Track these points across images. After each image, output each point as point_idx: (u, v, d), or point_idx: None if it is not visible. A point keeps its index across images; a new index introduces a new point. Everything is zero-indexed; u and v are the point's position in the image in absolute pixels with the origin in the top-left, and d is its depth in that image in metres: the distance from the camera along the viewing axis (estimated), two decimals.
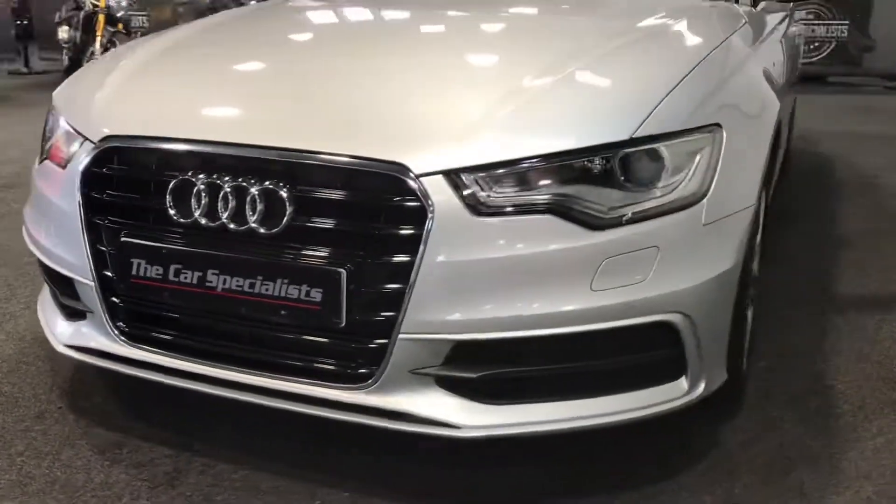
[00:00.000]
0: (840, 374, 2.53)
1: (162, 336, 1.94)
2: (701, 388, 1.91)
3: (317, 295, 1.73)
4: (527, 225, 1.70)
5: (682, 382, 1.88)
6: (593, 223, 1.71)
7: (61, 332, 2.13)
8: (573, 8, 2.82)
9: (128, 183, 1.92)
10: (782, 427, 2.24)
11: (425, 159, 1.70)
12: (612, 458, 2.08)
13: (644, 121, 1.78)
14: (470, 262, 1.68)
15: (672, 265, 1.77)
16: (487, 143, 1.73)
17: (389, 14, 2.77)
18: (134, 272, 1.88)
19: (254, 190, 1.76)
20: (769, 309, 2.97)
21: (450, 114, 1.82)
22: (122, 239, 1.90)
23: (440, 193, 1.68)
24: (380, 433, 1.80)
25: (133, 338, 1.98)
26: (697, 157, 1.84)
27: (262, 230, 1.76)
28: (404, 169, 1.68)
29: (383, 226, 1.70)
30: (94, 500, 1.90)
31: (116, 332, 1.99)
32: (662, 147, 1.79)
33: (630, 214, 1.74)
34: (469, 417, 1.76)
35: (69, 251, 2.00)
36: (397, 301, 1.70)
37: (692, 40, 2.28)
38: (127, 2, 8.27)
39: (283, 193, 1.75)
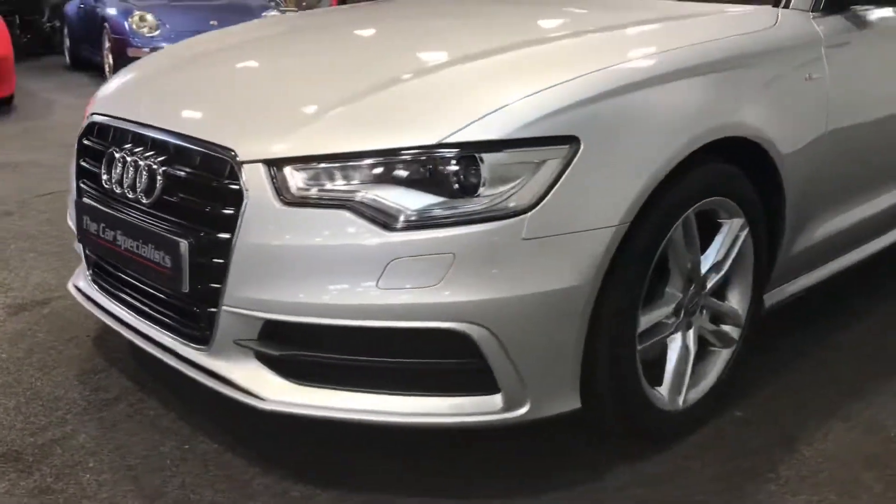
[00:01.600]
0: (822, 441, 2.19)
1: (102, 283, 2.31)
2: (524, 409, 1.83)
3: (168, 261, 1.96)
4: (325, 218, 1.77)
5: (497, 399, 1.82)
6: (386, 223, 1.74)
7: (74, 276, 2.59)
8: (509, 9, 2.74)
9: (92, 152, 2.31)
10: (683, 479, 2.03)
11: (251, 148, 1.85)
12: (498, 466, 2.08)
13: (463, 128, 1.76)
14: (275, 246, 1.81)
15: (471, 275, 1.73)
16: (306, 138, 1.83)
17: (310, 23, 3.02)
18: (84, 226, 2.27)
19: (142, 164, 2.05)
20: (819, 362, 2.60)
21: (288, 110, 1.96)
22: (82, 198, 2.29)
23: (257, 180, 1.82)
24: None
25: (95, 282, 2.37)
26: (533, 169, 1.77)
27: (144, 200, 2.04)
28: (233, 154, 1.86)
29: (214, 205, 1.89)
30: (38, 406, 2.33)
31: (89, 275, 2.40)
32: (480, 155, 1.75)
33: (423, 219, 1.73)
34: (275, 392, 1.88)
35: (71, 207, 2.45)
36: (221, 275, 1.87)
37: (601, 49, 2.11)
38: None
39: (158, 169, 2.01)
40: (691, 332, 2.17)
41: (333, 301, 1.77)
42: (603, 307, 1.87)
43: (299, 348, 1.86)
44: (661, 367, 2.13)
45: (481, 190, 1.75)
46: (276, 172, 1.81)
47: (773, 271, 2.42)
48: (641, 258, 1.92)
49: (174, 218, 1.97)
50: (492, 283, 1.75)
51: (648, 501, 1.95)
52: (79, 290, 2.48)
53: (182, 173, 1.97)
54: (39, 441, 2.17)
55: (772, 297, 2.48)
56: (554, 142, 1.79)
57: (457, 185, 1.76)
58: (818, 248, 2.53)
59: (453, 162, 1.75)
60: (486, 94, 1.85)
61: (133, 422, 2.26)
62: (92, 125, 2.35)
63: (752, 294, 2.32)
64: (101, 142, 2.28)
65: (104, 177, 2.19)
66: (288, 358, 1.86)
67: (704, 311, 2.21)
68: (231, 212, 1.84)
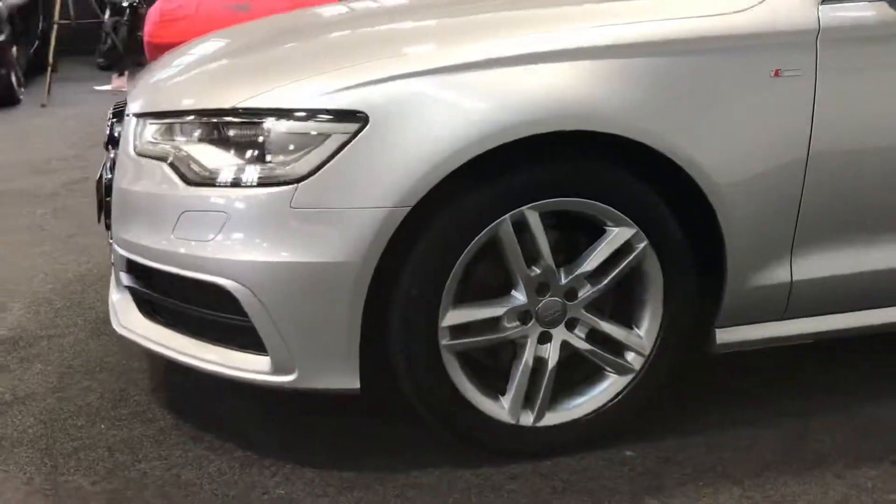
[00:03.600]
0: (693, 498, 1.85)
1: None
2: (292, 376, 1.86)
3: (97, 199, 2.32)
4: (151, 168, 1.97)
5: (265, 360, 1.88)
6: (185, 177, 1.89)
7: None
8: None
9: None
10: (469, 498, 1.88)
11: (135, 104, 2.13)
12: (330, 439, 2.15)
13: (257, 95, 1.84)
14: (125, 191, 2.06)
15: (239, 235, 1.82)
16: (162, 98, 2.09)
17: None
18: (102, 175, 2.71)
19: (112, 119, 2.43)
20: (757, 426, 2.19)
21: (171, 78, 2.24)
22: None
23: (129, 132, 2.09)
24: None
25: None
26: (319, 141, 1.79)
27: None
28: (127, 108, 2.15)
29: (114, 153, 2.20)
30: (68, 312, 2.84)
31: None
32: (266, 121, 1.82)
33: (210, 177, 1.85)
34: (128, 321, 2.12)
35: None
36: (110, 213, 2.17)
37: (445, 33, 1.99)
38: None
39: (110, 123, 2.38)
40: (550, 345, 1.97)
41: (146, 244, 1.97)
42: (394, 291, 1.83)
43: (138, 283, 2.09)
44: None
45: (269, 157, 1.82)
46: (138, 125, 2.06)
47: (724, 304, 2.05)
48: (443, 249, 1.83)
49: (109, 164, 2.32)
50: (257, 246, 1.81)
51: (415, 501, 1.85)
52: None
53: (117, 126, 2.31)
54: (41, 334, 2.67)
55: (730, 335, 2.11)
56: (341, 116, 1.79)
57: (246, 149, 1.85)
58: (798, 293, 2.08)
59: (241, 126, 1.85)
60: (292, 69, 1.93)
61: (114, 337, 2.65)
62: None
63: (666, 321, 2.01)
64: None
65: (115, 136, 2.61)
66: (133, 291, 2.11)
67: (577, 326, 1.98)
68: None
